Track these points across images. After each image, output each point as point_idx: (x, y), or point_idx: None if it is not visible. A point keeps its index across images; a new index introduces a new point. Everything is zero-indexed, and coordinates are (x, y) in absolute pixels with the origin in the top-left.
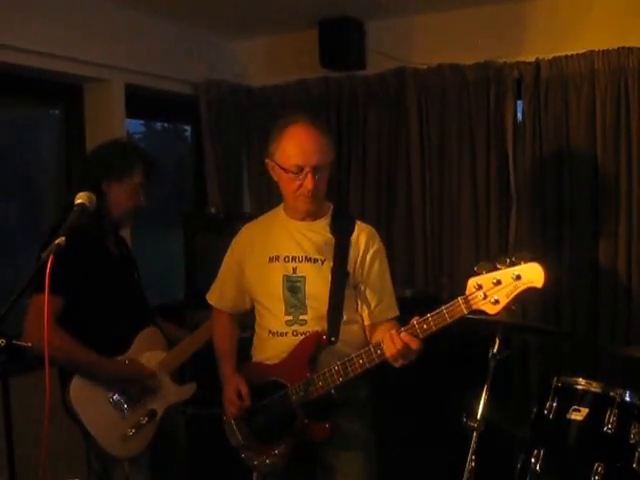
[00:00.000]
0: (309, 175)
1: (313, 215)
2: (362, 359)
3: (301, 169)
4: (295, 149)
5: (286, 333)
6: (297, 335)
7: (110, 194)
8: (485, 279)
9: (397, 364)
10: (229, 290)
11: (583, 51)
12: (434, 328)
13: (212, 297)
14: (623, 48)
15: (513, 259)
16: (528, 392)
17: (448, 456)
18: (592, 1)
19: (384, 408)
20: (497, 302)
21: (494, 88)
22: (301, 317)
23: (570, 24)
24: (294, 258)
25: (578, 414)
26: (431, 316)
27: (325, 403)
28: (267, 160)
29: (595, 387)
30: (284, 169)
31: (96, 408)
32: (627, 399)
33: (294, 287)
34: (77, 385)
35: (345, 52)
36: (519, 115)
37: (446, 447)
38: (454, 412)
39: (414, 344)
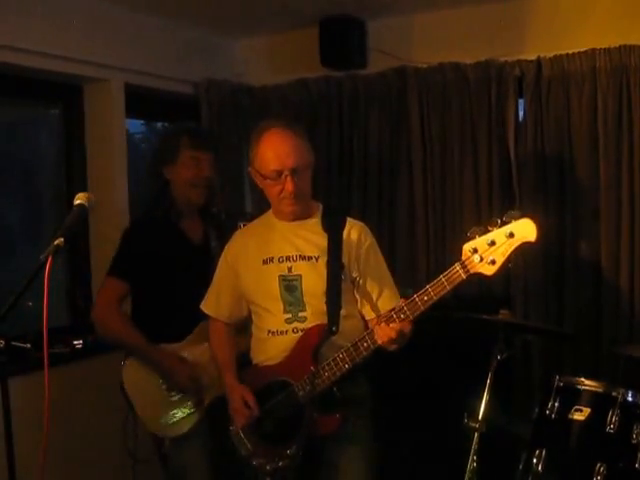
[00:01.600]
0: (288, 178)
1: (301, 216)
2: (367, 342)
3: (280, 173)
4: (271, 154)
5: (286, 331)
6: (297, 332)
7: (173, 178)
8: (479, 242)
9: (391, 348)
10: (225, 298)
11: (584, 49)
12: (435, 298)
13: (208, 306)
14: (625, 46)
15: (504, 219)
16: (530, 392)
17: (449, 457)
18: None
19: (384, 407)
20: (493, 262)
21: (495, 87)
22: (300, 314)
23: (571, 22)
24: (288, 258)
25: (580, 414)
26: (430, 286)
27: (330, 397)
28: (249, 168)
29: (597, 387)
30: (264, 176)
31: (145, 388)
32: (629, 399)
33: (290, 286)
34: (130, 365)
35: (346, 51)
36: (520, 114)
37: (447, 448)
38: (455, 413)
39: (407, 329)
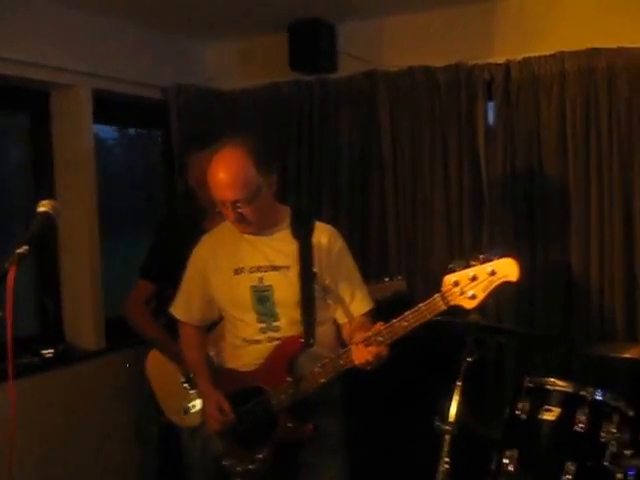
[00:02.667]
0: (229, 209)
1: (266, 227)
2: (343, 360)
3: (223, 202)
4: (213, 184)
5: (260, 340)
6: (272, 341)
7: (193, 184)
8: (461, 276)
9: (367, 368)
10: (195, 302)
11: (553, 52)
12: (414, 324)
13: (178, 311)
14: (592, 49)
15: (486, 256)
16: (502, 394)
17: (421, 458)
18: (561, 1)
19: (356, 410)
20: (474, 297)
21: (465, 90)
22: (274, 324)
23: (539, 25)
24: (259, 268)
25: (550, 414)
26: (410, 313)
27: (303, 404)
28: None
29: (566, 387)
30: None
31: (166, 378)
32: (598, 398)
33: (262, 297)
34: (153, 357)
35: (315, 55)
36: (490, 117)
37: (419, 450)
38: (427, 414)
39: (383, 352)
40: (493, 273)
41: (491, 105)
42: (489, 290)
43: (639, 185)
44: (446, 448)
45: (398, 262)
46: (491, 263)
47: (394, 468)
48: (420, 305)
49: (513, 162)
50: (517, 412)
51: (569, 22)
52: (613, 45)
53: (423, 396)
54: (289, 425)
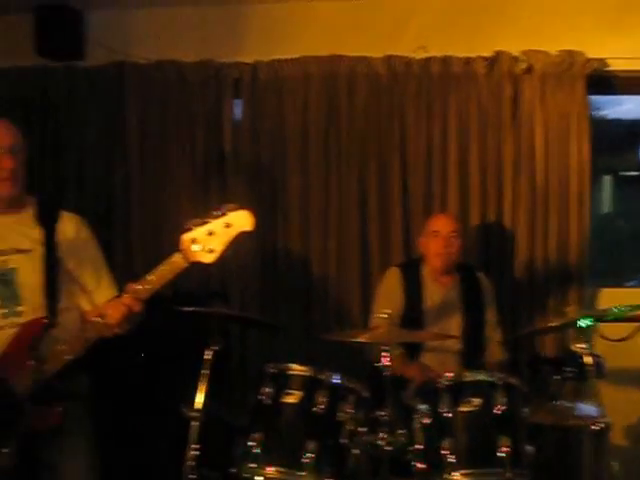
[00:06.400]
0: (4, 156)
1: (15, 205)
2: (88, 332)
3: None
4: None
5: (3, 327)
6: (14, 327)
7: None
8: (198, 233)
9: (122, 330)
10: None
11: (297, 56)
12: (157, 285)
13: None
14: (334, 55)
15: (221, 212)
16: (247, 380)
17: (170, 447)
18: (306, 9)
19: (106, 403)
20: (212, 251)
21: (213, 87)
22: (17, 309)
23: (286, 30)
24: (2, 251)
25: (291, 397)
26: (151, 275)
27: (50, 393)
28: None
29: (306, 371)
30: None
31: None
32: (335, 381)
33: (5, 280)
34: None
35: (62, 41)
36: (237, 114)
37: (169, 438)
38: (177, 404)
39: (137, 307)
40: (229, 226)
41: (238, 103)
42: (226, 242)
43: (374, 184)
44: (194, 435)
45: (143, 257)
46: (226, 217)
47: (144, 456)
48: (160, 265)
49: (258, 159)
50: (261, 397)
51: (313, 29)
52: (353, 53)
53: (171, 385)
54: (36, 410)
